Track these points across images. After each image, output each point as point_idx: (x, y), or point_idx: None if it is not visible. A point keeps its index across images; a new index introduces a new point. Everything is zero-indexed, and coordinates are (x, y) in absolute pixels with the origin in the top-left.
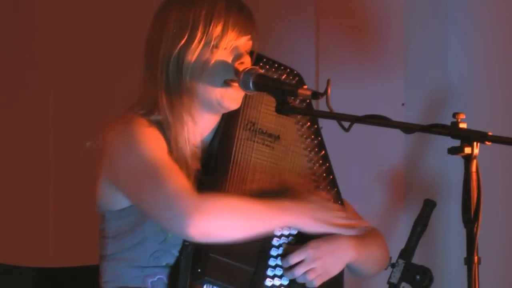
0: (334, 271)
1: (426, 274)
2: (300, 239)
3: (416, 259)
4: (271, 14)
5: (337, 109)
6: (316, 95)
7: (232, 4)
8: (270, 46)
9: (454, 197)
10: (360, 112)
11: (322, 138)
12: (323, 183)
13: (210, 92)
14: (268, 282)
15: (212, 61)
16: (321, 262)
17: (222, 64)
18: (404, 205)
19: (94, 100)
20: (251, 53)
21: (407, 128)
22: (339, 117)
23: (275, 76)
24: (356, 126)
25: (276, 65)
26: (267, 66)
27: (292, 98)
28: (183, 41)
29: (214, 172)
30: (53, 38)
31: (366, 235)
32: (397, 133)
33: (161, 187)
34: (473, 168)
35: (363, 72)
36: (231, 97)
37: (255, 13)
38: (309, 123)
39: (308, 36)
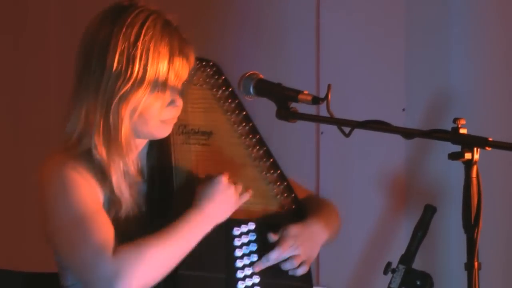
0: (314, 255)
1: (426, 280)
2: (262, 231)
3: (417, 265)
4: (273, 19)
5: (338, 114)
6: (316, 100)
7: (174, 46)
8: (272, 51)
9: (455, 203)
10: (360, 117)
11: (253, 123)
12: (264, 166)
13: (146, 130)
14: (241, 284)
15: (152, 106)
16: (303, 249)
17: (159, 108)
18: (404, 210)
19: None
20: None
21: (408, 133)
22: (340, 123)
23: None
24: (357, 132)
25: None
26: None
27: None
28: (126, 87)
29: (159, 185)
30: (55, 35)
31: (324, 208)
32: (397, 138)
33: (80, 250)
34: (474, 174)
35: (363, 77)
36: (165, 131)
37: (256, 19)
38: (237, 111)
39: (309, 42)
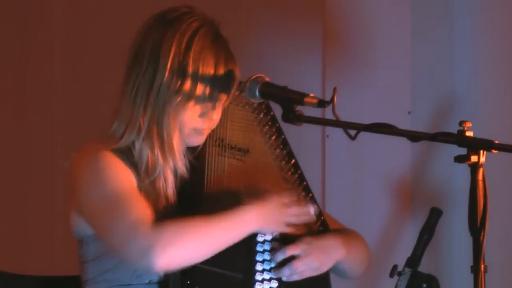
0: (324, 268)
1: (432, 283)
2: (285, 243)
3: (423, 267)
4: (279, 22)
5: (344, 117)
6: (322, 103)
7: (220, 59)
8: (278, 53)
9: (461, 205)
10: (366, 120)
11: (290, 148)
12: (298, 190)
13: (179, 136)
14: (258, 286)
15: (188, 114)
16: (313, 258)
17: (193, 117)
18: (410, 213)
19: (100, 104)
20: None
21: (413, 136)
22: (346, 125)
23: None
24: (363, 134)
25: None
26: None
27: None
28: (178, 98)
29: (190, 183)
30: (59, 38)
31: (346, 232)
32: (403, 141)
33: (118, 223)
34: (480, 176)
35: (369, 80)
36: (197, 141)
37: (262, 21)
38: (275, 135)
39: (315, 44)
